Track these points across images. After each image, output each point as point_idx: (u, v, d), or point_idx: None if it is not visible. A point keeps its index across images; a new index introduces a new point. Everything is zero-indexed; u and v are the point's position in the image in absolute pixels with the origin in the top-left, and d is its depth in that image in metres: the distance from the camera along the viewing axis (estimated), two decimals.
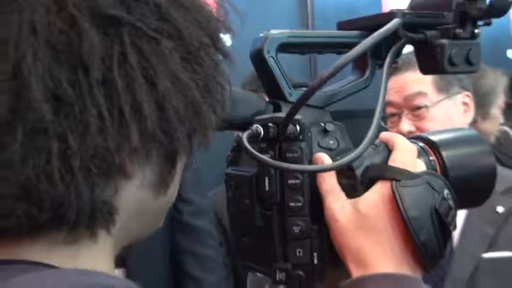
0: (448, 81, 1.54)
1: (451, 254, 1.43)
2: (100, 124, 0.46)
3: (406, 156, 0.65)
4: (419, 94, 1.51)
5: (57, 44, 0.45)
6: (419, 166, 0.65)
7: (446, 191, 0.63)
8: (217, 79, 0.54)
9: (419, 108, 1.50)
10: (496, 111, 2.44)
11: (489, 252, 1.43)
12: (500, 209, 1.45)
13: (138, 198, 0.53)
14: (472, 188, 0.72)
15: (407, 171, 0.63)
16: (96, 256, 0.52)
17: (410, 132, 1.48)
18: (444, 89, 1.52)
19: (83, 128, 0.46)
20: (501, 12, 0.68)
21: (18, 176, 0.45)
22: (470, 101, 1.56)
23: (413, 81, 1.50)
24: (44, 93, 0.45)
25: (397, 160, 0.64)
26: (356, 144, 0.64)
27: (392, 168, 0.63)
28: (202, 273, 2.01)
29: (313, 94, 0.62)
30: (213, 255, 2.02)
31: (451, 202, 0.63)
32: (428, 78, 1.51)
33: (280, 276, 0.65)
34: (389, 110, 1.56)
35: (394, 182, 0.61)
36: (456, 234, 1.46)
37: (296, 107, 0.62)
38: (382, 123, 1.56)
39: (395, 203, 0.60)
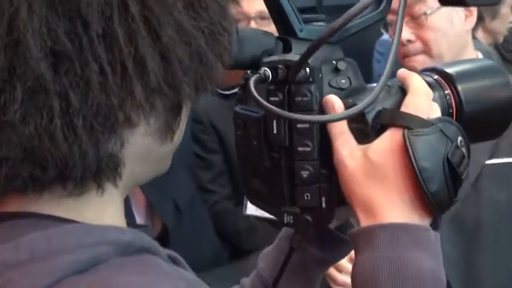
0: None
1: None
2: (102, 80, 0.45)
3: (420, 101, 0.62)
4: (419, 1, 1.48)
5: None
6: (434, 111, 0.63)
7: (460, 138, 0.61)
8: (223, 24, 0.51)
9: (418, 16, 1.48)
10: (506, 9, 2.37)
11: (492, 159, 1.47)
12: None
13: (143, 145, 0.52)
14: (488, 121, 0.71)
15: (420, 118, 0.61)
16: (102, 207, 0.52)
17: (409, 41, 1.49)
18: None
19: (85, 85, 0.45)
20: None
21: (21, 137, 0.45)
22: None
23: None
24: (42, 49, 0.44)
25: (410, 105, 0.62)
26: None
27: (405, 114, 0.61)
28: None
29: (323, 44, 0.60)
30: None
31: (464, 150, 0.61)
32: None
33: (288, 219, 0.65)
34: (390, 17, 1.51)
35: (406, 130, 0.59)
36: None
37: (306, 55, 0.60)
38: (384, 32, 1.55)
39: (406, 152, 0.59)
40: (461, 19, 1.51)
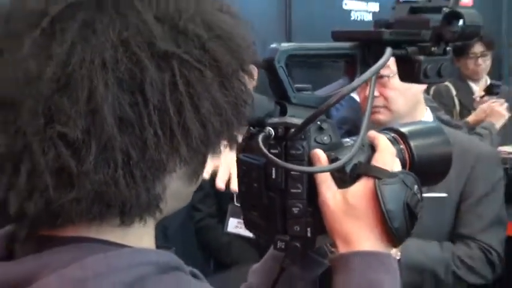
0: None
1: None
2: (156, 141, 0.48)
3: (387, 157, 0.67)
4: None
5: (122, 76, 0.47)
6: (396, 165, 0.68)
7: (416, 187, 0.66)
8: (244, 98, 0.55)
9: (382, 77, 1.50)
10: None
11: (427, 193, 1.43)
12: None
13: (177, 187, 0.55)
14: (432, 170, 0.75)
15: (387, 170, 0.65)
16: (142, 234, 0.55)
17: (375, 96, 1.49)
18: None
19: (142, 144, 0.48)
20: (471, 36, 0.68)
21: (93, 183, 0.47)
22: None
23: None
24: (113, 116, 0.46)
25: (379, 160, 0.66)
26: None
27: (375, 167, 0.66)
28: None
29: (318, 117, 0.64)
30: None
31: (419, 195, 0.66)
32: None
33: (280, 245, 0.68)
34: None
35: (376, 180, 0.64)
36: None
37: (304, 125, 0.64)
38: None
39: (376, 197, 0.63)
40: None
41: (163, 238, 1.95)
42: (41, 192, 0.47)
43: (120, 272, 0.48)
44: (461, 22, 0.66)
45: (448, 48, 0.70)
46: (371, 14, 3.83)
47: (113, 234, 0.53)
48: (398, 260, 0.68)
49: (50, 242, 0.51)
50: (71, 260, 0.48)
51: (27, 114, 0.46)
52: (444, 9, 0.67)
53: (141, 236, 0.55)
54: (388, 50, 0.66)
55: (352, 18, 3.75)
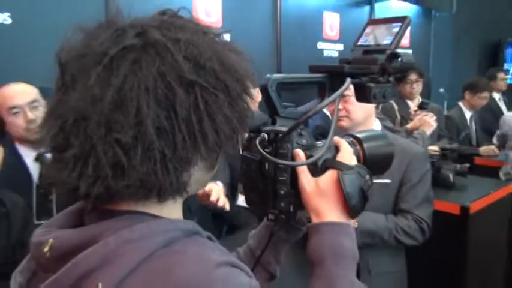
0: None
1: None
2: (183, 144, 0.48)
3: (347, 156, 0.67)
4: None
5: (160, 98, 0.47)
6: (353, 161, 0.68)
7: (367, 176, 0.66)
8: (247, 112, 0.55)
9: (344, 96, 1.49)
10: None
11: (376, 180, 1.44)
12: None
13: (198, 175, 0.55)
14: (379, 165, 0.75)
15: (347, 165, 0.65)
16: (172, 208, 0.55)
17: (338, 109, 1.47)
18: None
19: (174, 146, 0.48)
20: (407, 70, 0.68)
21: (139, 174, 0.47)
22: None
23: None
24: (153, 126, 0.46)
25: (341, 157, 0.67)
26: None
27: (339, 162, 0.66)
28: None
29: (299, 126, 0.64)
30: None
31: (369, 182, 0.66)
32: None
33: (271, 217, 0.68)
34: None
35: (339, 171, 0.64)
36: None
37: (289, 132, 0.64)
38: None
39: (339, 183, 0.64)
40: None
41: (188, 213, 1.96)
42: (102, 180, 0.47)
43: (158, 235, 0.48)
44: (399, 59, 0.67)
45: (390, 78, 0.70)
46: (337, 52, 3.84)
47: (152, 208, 0.53)
48: (356, 228, 0.67)
49: (108, 214, 0.51)
50: (124, 226, 0.48)
51: (93, 125, 0.46)
52: (387, 51, 0.67)
53: (173, 210, 0.55)
54: (348, 80, 0.66)
55: (324, 55, 3.76)
